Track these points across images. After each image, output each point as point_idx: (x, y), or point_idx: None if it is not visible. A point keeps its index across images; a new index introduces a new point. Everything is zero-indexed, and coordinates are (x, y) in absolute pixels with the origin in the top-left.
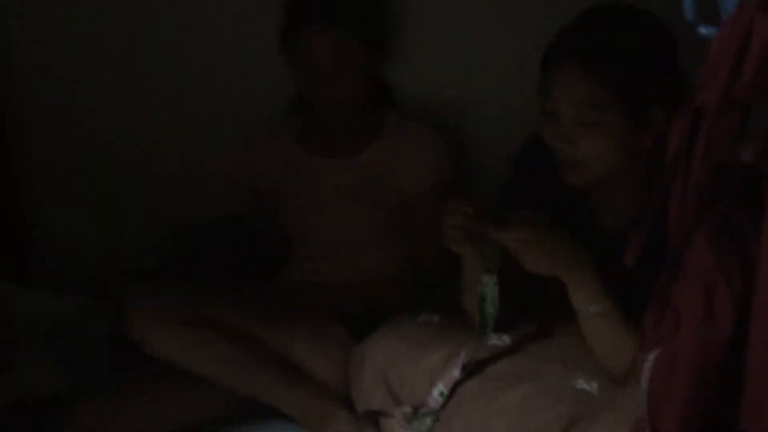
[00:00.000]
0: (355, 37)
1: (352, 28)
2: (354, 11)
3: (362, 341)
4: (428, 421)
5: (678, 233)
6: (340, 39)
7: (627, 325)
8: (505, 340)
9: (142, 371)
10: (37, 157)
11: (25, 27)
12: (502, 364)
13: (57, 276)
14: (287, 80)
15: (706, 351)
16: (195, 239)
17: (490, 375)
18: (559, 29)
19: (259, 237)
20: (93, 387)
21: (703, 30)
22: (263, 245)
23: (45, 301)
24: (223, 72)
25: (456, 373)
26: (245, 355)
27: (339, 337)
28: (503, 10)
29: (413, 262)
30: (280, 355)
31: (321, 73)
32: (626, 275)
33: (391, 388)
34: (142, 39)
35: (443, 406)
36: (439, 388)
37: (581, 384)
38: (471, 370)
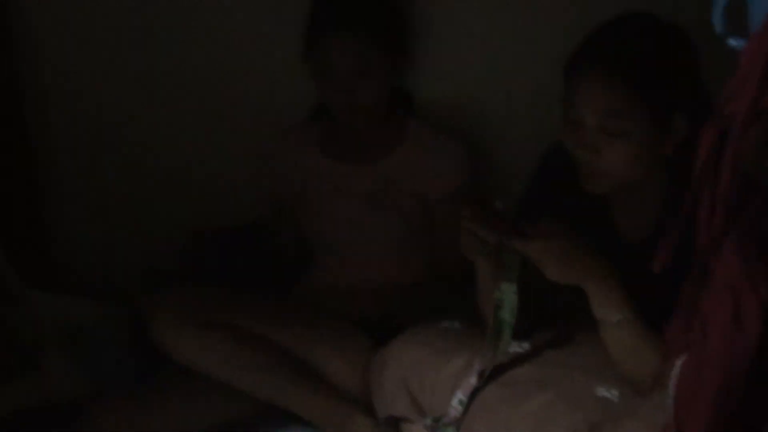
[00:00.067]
0: (377, 44)
1: (374, 35)
2: (376, 18)
3: (383, 347)
4: (450, 430)
5: (705, 242)
6: (363, 46)
7: (648, 333)
8: (525, 346)
9: (163, 376)
10: (60, 164)
11: (52, 35)
12: (522, 371)
13: (79, 281)
14: (309, 87)
15: (733, 357)
16: (216, 245)
17: (511, 381)
18: (583, 38)
19: (280, 243)
20: (115, 391)
21: (732, 42)
22: (283, 251)
23: (67, 305)
24: (246, 78)
25: (473, 380)
26: (266, 360)
27: (359, 343)
28: (524, 17)
29: (433, 268)
30: (301, 360)
31: (343, 80)
32: (647, 283)
33: (412, 394)
34: (166, 47)
35: (463, 414)
36: (458, 397)
37: (602, 391)
38: (491, 376)
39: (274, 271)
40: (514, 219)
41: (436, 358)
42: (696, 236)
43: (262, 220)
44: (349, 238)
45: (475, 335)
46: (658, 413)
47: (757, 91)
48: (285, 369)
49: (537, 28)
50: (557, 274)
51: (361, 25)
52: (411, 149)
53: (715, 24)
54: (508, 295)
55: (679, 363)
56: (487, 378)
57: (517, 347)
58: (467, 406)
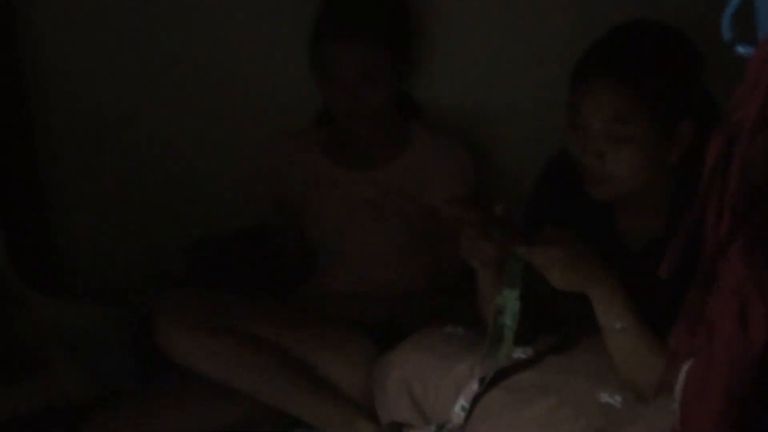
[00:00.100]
0: (383, 50)
1: (379, 41)
2: (382, 24)
3: (386, 352)
4: None
5: (712, 248)
6: (368, 51)
7: (652, 340)
8: (528, 352)
9: (166, 379)
10: (63, 166)
11: (56, 36)
12: (526, 376)
13: (82, 284)
14: (313, 91)
15: (740, 363)
16: (221, 249)
17: (514, 386)
18: (590, 44)
19: (283, 247)
20: (119, 394)
21: (740, 49)
22: (287, 255)
23: (70, 308)
24: (250, 82)
25: (475, 386)
26: (269, 364)
27: (362, 347)
28: (527, 21)
29: (437, 273)
30: (304, 364)
31: (348, 85)
32: (650, 289)
33: (415, 399)
34: (170, 51)
35: (466, 420)
36: (461, 403)
37: (605, 397)
38: (495, 381)
39: (276, 276)
40: (517, 224)
41: (439, 364)
42: (702, 242)
43: (264, 224)
44: (353, 244)
45: (479, 340)
46: (661, 419)
47: (764, 98)
48: (288, 373)
49: (540, 32)
50: (562, 280)
51: (366, 30)
52: (415, 155)
53: (723, 31)
54: (510, 300)
55: (685, 368)
56: (491, 383)
57: (520, 353)
58: (470, 412)
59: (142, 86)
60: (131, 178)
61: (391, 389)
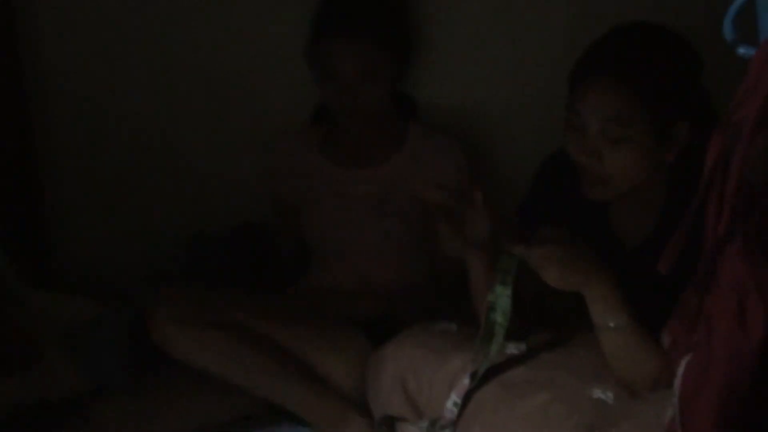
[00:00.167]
0: (381, 48)
1: (378, 39)
2: (380, 22)
3: (380, 347)
4: None
5: (712, 245)
6: (366, 49)
7: (646, 338)
8: (522, 348)
9: (163, 374)
10: (61, 163)
11: (55, 35)
12: (519, 372)
13: (79, 281)
14: (311, 89)
15: (738, 359)
16: (216, 245)
17: (508, 382)
18: (588, 45)
19: (280, 244)
20: (115, 389)
21: (741, 50)
22: (284, 252)
23: (67, 304)
24: (248, 81)
25: (466, 382)
26: (264, 359)
27: (356, 343)
28: (526, 23)
29: (431, 271)
30: (298, 359)
31: (346, 83)
32: (645, 287)
33: (409, 394)
34: (169, 49)
35: (459, 415)
36: (453, 399)
37: (597, 393)
38: (488, 377)
39: (273, 272)
40: (514, 223)
41: (433, 359)
42: (700, 240)
43: (261, 221)
44: (350, 241)
45: (472, 337)
46: (653, 415)
47: (765, 99)
48: (283, 368)
49: (537, 32)
50: (557, 279)
51: (365, 29)
52: (412, 153)
53: (725, 32)
54: (501, 298)
55: (683, 363)
56: (484, 379)
57: (513, 349)
58: (462, 407)
59: (140, 84)
60: (129, 176)
61: (385, 384)
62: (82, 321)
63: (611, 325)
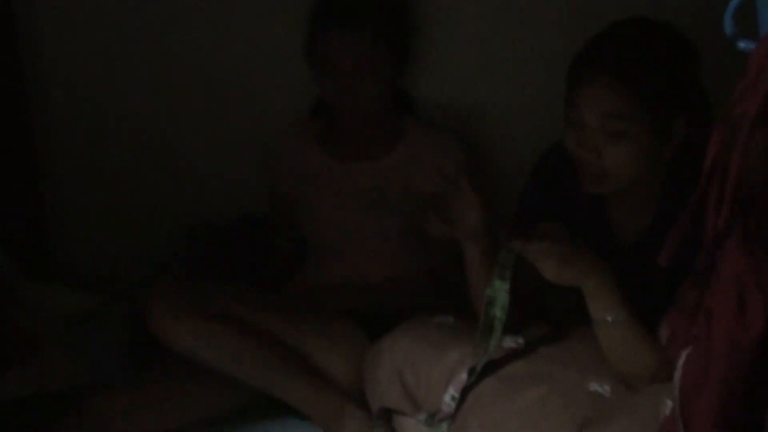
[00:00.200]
0: (379, 43)
1: (376, 33)
2: (379, 16)
3: (377, 340)
4: (444, 426)
5: (711, 238)
6: (365, 44)
7: (643, 333)
8: (519, 342)
9: (160, 366)
10: (60, 158)
11: (51, 28)
12: (517, 366)
13: (78, 276)
14: (309, 84)
15: (738, 351)
16: (214, 238)
17: (506, 376)
18: (587, 41)
19: (277, 238)
20: (112, 380)
21: (742, 45)
22: (281, 246)
23: (65, 296)
24: (246, 75)
25: (464, 376)
26: (262, 352)
27: (353, 336)
28: (524, 19)
29: (428, 265)
30: (296, 352)
31: (344, 77)
32: (641, 282)
33: (406, 387)
34: (166, 43)
35: (456, 409)
36: (450, 393)
37: (594, 386)
38: (486, 370)
39: (270, 266)
40: (512, 218)
41: (430, 352)
42: (698, 234)
43: (259, 214)
44: (347, 235)
45: (469, 330)
46: (650, 408)
47: (765, 94)
48: (281, 361)
49: (536, 28)
50: (555, 274)
51: (363, 23)
52: (409, 148)
53: (725, 26)
54: (500, 293)
55: (683, 356)
56: (482, 374)
57: (511, 342)
58: (460, 401)
59: (138, 81)
60: (127, 172)
61: (382, 377)
62: (81, 315)
63: (609, 319)
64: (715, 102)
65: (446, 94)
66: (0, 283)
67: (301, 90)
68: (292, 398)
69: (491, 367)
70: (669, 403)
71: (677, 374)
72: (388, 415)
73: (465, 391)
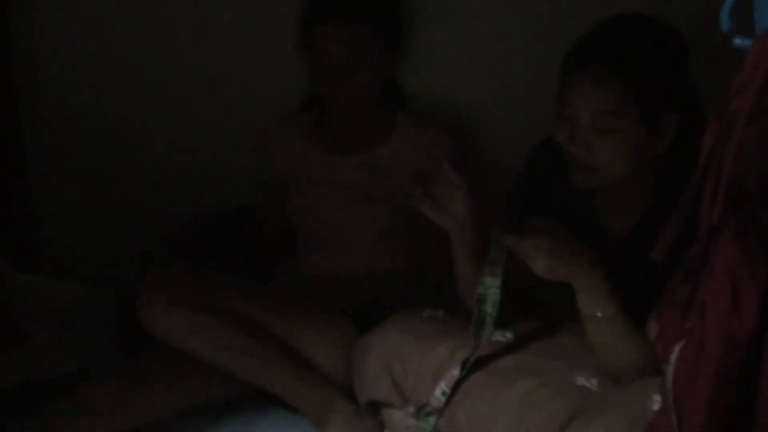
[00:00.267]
0: (372, 36)
1: (369, 25)
2: (372, 9)
3: (366, 333)
4: (432, 419)
5: (705, 231)
6: (357, 35)
7: (632, 328)
8: (509, 336)
9: (150, 355)
10: (49, 150)
11: (41, 20)
12: (506, 360)
13: (64, 263)
14: (301, 77)
15: (732, 343)
16: (203, 229)
17: (494, 369)
18: (580, 37)
19: (266, 229)
20: (101, 368)
21: (738, 41)
22: (270, 238)
23: (54, 286)
24: (237, 67)
25: (456, 372)
26: (250, 343)
27: (342, 329)
28: (515, 13)
29: (417, 258)
30: (285, 344)
31: (337, 69)
32: (630, 278)
33: (395, 380)
34: (157, 35)
35: (446, 404)
36: (441, 388)
37: (581, 380)
38: (475, 365)
39: (259, 258)
40: (502, 212)
41: (419, 345)
42: (689, 229)
43: (247, 206)
44: (337, 228)
45: (458, 323)
46: (637, 402)
47: (761, 88)
48: (270, 353)
49: (528, 23)
50: (546, 269)
51: (356, 14)
52: (400, 141)
53: (722, 22)
54: (491, 289)
55: (676, 350)
56: (471, 367)
57: (500, 336)
58: (450, 396)
59: (127, 71)
60: (116, 162)
61: (370, 370)
62: (69, 303)
63: (599, 314)
64: (706, 99)
65: (438, 88)
66: None
67: (292, 84)
68: (281, 390)
69: (480, 361)
70: (657, 398)
71: (670, 368)
72: (376, 407)
73: (455, 386)
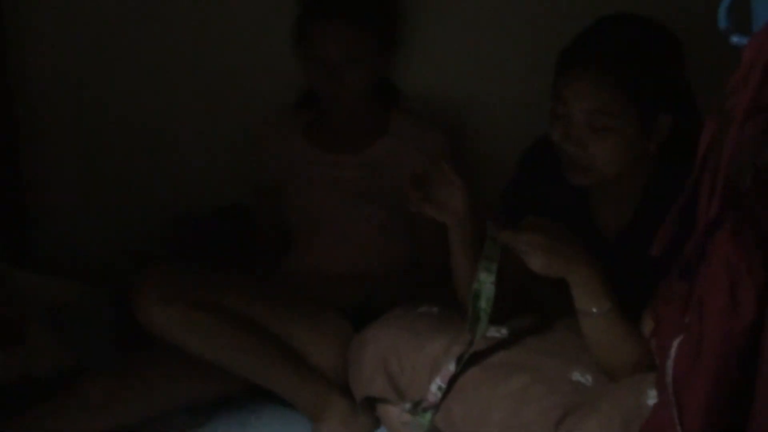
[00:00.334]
0: (368, 32)
1: (365, 23)
2: (368, 7)
3: (362, 330)
4: (428, 415)
5: (703, 227)
6: (353, 33)
7: (626, 325)
8: (503, 332)
9: (145, 352)
10: (44, 147)
11: (36, 19)
12: (501, 355)
13: (59, 260)
14: (296, 74)
15: (730, 337)
16: (198, 227)
17: (489, 365)
18: (575, 36)
19: (260, 227)
20: (97, 366)
21: (735, 39)
22: (266, 235)
23: (48, 283)
24: (233, 64)
25: (451, 367)
26: (246, 339)
27: (337, 325)
28: (510, 11)
29: (412, 256)
30: (281, 341)
31: (332, 66)
32: (624, 274)
33: (391, 375)
34: (152, 32)
35: (442, 399)
36: (437, 383)
37: (576, 376)
38: (470, 360)
39: (254, 254)
40: (497, 210)
41: (415, 341)
42: (685, 226)
43: (242, 203)
44: (331, 226)
45: (453, 320)
46: (632, 397)
47: (757, 86)
48: (266, 350)
49: (524, 22)
50: (542, 266)
51: (352, 12)
52: (394, 139)
53: (719, 21)
54: (485, 285)
55: (675, 345)
56: (466, 363)
57: (495, 332)
58: (445, 392)
59: (123, 68)
60: (111, 158)
61: (366, 366)
62: (65, 300)
63: (594, 311)
64: (703, 97)
65: (433, 86)
66: None
67: (287, 82)
68: (277, 387)
69: (475, 357)
70: (651, 393)
71: (669, 363)
72: (372, 403)
73: (451, 382)
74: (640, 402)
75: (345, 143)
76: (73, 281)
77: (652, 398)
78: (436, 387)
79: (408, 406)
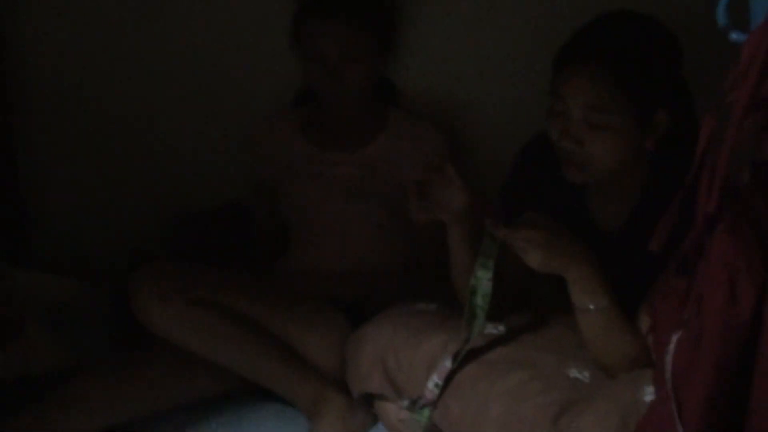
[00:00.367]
0: (367, 31)
1: (363, 22)
2: (367, 5)
3: (359, 327)
4: (426, 412)
5: (701, 223)
6: (352, 31)
7: (623, 321)
8: (501, 329)
9: (143, 350)
10: (42, 146)
11: (33, 18)
12: (498, 352)
13: (57, 258)
14: (294, 73)
15: (729, 332)
16: (196, 225)
17: (486, 361)
18: (573, 32)
19: (259, 225)
20: (95, 363)
21: (734, 36)
22: (264, 233)
23: (47, 282)
24: (231, 62)
25: (448, 364)
26: (243, 336)
27: (335, 322)
28: (508, 10)
29: (410, 254)
30: (278, 338)
31: (331, 65)
32: (621, 271)
33: (388, 372)
34: (151, 31)
35: (439, 396)
36: (434, 380)
37: (573, 373)
38: (467, 357)
39: (253, 252)
40: (495, 207)
41: (412, 338)
42: (683, 223)
43: (241, 202)
44: (329, 224)
45: (451, 317)
46: (629, 393)
47: (757, 80)
48: (264, 347)
49: (522, 21)
50: (540, 262)
51: (350, 11)
52: (392, 137)
53: (718, 18)
54: (482, 281)
55: (674, 340)
56: (464, 360)
57: (493, 329)
58: (442, 389)
59: (120, 67)
60: (107, 156)
61: (363, 362)
62: (63, 298)
63: (591, 307)
64: (702, 94)
65: (432, 86)
66: None
67: (286, 81)
68: (275, 384)
69: (473, 353)
70: (648, 389)
71: (668, 358)
72: (369, 400)
73: (448, 378)
74: (637, 398)
75: (343, 142)
76: (71, 280)
77: (649, 394)
78: (433, 384)
79: (406, 403)
